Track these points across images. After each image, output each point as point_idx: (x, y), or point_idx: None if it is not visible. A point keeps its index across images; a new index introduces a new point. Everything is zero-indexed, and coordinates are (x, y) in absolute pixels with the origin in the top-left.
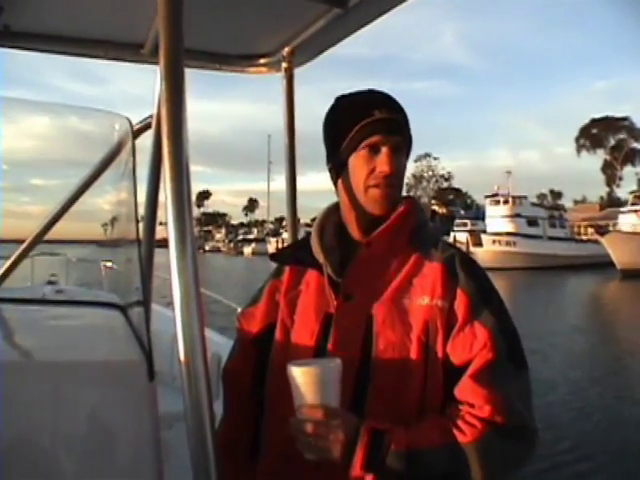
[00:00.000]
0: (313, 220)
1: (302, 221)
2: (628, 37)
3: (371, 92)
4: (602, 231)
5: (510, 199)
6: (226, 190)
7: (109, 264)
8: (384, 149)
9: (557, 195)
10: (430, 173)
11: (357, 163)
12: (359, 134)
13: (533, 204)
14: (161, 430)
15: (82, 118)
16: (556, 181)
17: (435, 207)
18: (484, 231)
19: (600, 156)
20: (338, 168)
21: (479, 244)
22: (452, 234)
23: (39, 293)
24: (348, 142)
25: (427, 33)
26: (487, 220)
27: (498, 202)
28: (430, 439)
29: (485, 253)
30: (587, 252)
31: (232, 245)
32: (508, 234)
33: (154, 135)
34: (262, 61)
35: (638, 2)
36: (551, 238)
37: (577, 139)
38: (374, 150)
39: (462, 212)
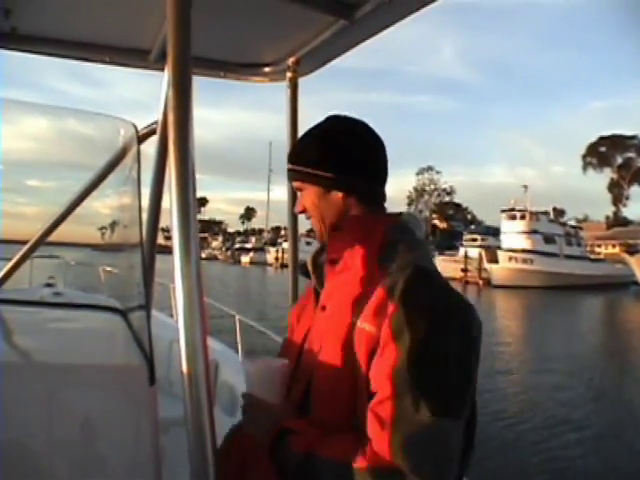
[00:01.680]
0: (309, 231)
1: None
2: (625, 60)
3: None
4: (632, 250)
5: (527, 214)
6: (222, 198)
7: (108, 268)
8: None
9: (560, 213)
10: (432, 187)
11: None
12: None
13: (551, 220)
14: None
15: (87, 122)
16: (552, 199)
17: (436, 221)
18: (499, 247)
19: (607, 174)
20: None
21: (494, 261)
22: (462, 249)
23: (37, 295)
24: None
25: (427, 48)
26: (502, 236)
27: (514, 217)
28: (333, 451)
29: (501, 270)
30: (602, 272)
31: (229, 253)
32: (524, 251)
33: (159, 141)
34: (267, 70)
35: (636, 25)
36: (567, 256)
37: (584, 156)
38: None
39: (472, 227)
